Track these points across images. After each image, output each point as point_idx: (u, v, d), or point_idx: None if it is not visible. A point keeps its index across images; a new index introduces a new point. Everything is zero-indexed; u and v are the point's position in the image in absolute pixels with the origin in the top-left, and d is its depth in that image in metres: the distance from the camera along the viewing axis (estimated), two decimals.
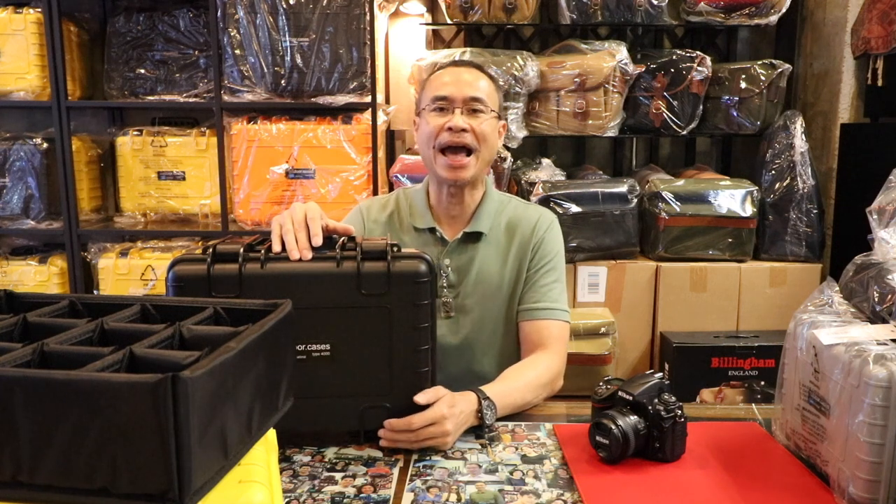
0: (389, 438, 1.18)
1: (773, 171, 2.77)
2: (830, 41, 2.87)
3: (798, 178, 2.73)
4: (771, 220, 2.76)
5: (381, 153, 2.77)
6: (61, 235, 2.80)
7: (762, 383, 2.59)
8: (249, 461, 0.73)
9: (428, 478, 1.10)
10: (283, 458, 1.16)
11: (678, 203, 2.68)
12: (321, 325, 1.14)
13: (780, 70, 2.78)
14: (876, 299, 1.07)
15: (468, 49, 2.85)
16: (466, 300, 1.51)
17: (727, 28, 3.01)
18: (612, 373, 2.57)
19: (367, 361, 1.16)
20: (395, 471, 1.13)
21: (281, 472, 1.09)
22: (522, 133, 2.79)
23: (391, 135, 3.13)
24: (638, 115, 2.91)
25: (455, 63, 1.58)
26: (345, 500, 1.04)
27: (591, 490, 1.05)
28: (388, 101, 3.09)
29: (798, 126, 2.76)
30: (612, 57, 2.75)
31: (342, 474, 1.11)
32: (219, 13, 2.62)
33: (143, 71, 2.81)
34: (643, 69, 2.85)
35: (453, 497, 1.04)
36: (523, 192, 2.72)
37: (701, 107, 2.89)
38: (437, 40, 3.15)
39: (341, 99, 2.63)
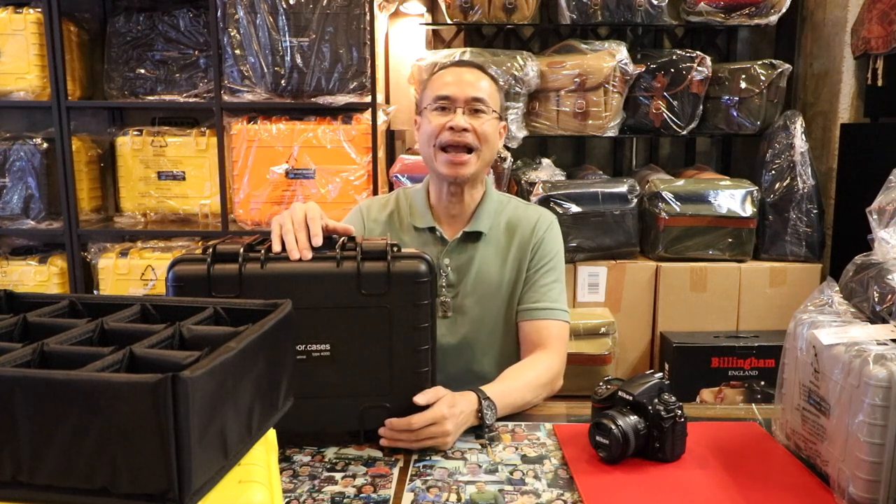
0: (390, 438, 1.18)
1: (773, 171, 2.77)
2: (830, 41, 2.87)
3: (798, 178, 2.73)
4: (771, 220, 2.76)
5: (381, 153, 2.77)
6: (61, 235, 2.80)
7: (762, 383, 2.59)
8: (249, 461, 0.73)
9: (428, 478, 1.10)
10: (283, 458, 1.16)
11: (678, 203, 2.68)
12: (321, 325, 1.14)
13: (780, 70, 2.78)
14: (876, 299, 1.07)
15: (468, 49, 2.85)
16: (466, 300, 1.51)
17: (727, 28, 3.01)
18: (612, 373, 2.57)
19: (367, 361, 1.16)
20: (395, 471, 1.13)
21: (281, 472, 1.09)
22: (522, 133, 2.79)
23: (391, 135, 3.13)
24: (638, 115, 2.91)
25: (457, 63, 1.59)
26: (345, 500, 1.04)
27: (591, 490, 1.05)
28: (388, 101, 3.09)
29: (798, 126, 2.76)
30: (612, 57, 2.75)
31: (342, 474, 1.11)
32: (219, 13, 2.62)
33: (143, 71, 2.81)
34: (643, 69, 2.85)
35: (453, 497, 1.04)
36: (523, 192, 2.72)
37: (701, 107, 2.89)
38: (437, 40, 3.15)
39: (341, 99, 2.63)
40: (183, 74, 2.81)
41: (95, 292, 2.77)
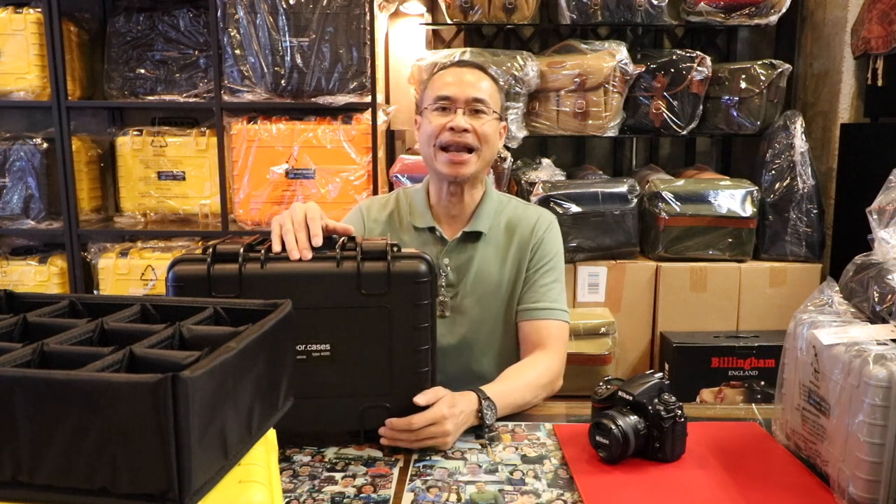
0: (390, 437, 1.18)
1: (773, 171, 2.77)
2: (830, 41, 2.87)
3: (798, 178, 2.73)
4: (771, 220, 2.76)
5: (381, 153, 2.77)
6: (61, 235, 2.80)
7: (762, 383, 2.59)
8: (249, 461, 0.73)
9: (428, 478, 1.10)
10: (283, 458, 1.16)
11: (678, 203, 2.68)
12: (321, 325, 1.14)
13: (780, 70, 2.78)
14: (876, 299, 1.07)
15: (468, 49, 2.85)
16: (465, 300, 1.51)
17: (727, 28, 3.01)
18: (612, 373, 2.57)
19: (367, 361, 1.16)
20: (395, 471, 1.13)
21: (281, 472, 1.09)
22: (522, 133, 2.79)
23: (391, 135, 3.13)
24: (638, 115, 2.91)
25: (458, 63, 1.59)
26: (345, 500, 1.04)
27: (591, 490, 1.05)
28: (388, 101, 3.09)
29: (798, 126, 2.76)
30: (612, 57, 2.75)
31: (342, 474, 1.11)
32: (219, 13, 2.62)
33: (143, 71, 2.81)
34: (643, 69, 2.85)
35: (453, 497, 1.04)
36: (523, 192, 2.72)
37: (701, 107, 2.89)
38: (437, 40, 3.15)
39: (341, 99, 2.63)
40: (183, 74, 2.81)
41: (95, 292, 2.77)
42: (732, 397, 2.60)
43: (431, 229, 1.53)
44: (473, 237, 1.52)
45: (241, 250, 1.13)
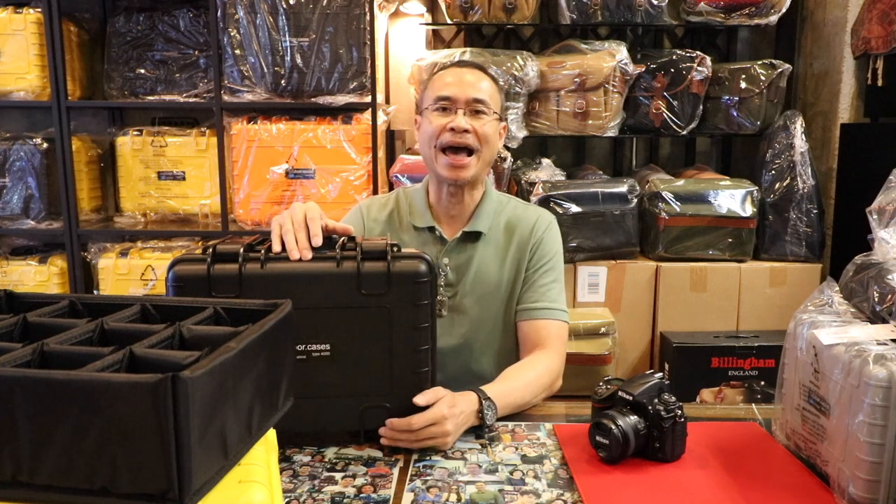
0: (390, 437, 1.18)
1: (773, 171, 2.77)
2: (830, 41, 2.87)
3: (798, 178, 2.73)
4: (771, 220, 2.76)
5: (381, 153, 2.77)
6: (61, 235, 2.80)
7: (762, 383, 2.59)
8: (249, 461, 0.73)
9: (428, 478, 1.10)
10: (283, 458, 1.16)
11: (678, 203, 2.68)
12: (321, 325, 1.14)
13: (780, 70, 2.78)
14: (876, 299, 1.07)
15: (468, 49, 2.85)
16: (465, 299, 1.51)
17: (727, 28, 3.01)
18: (612, 373, 2.57)
19: (367, 361, 1.16)
20: (395, 471, 1.13)
21: (281, 472, 1.09)
22: (522, 133, 2.79)
23: (391, 135, 3.13)
24: (638, 115, 2.91)
25: (458, 64, 1.59)
26: (345, 500, 1.04)
27: (591, 490, 1.05)
28: (388, 101, 3.09)
29: (798, 126, 2.76)
30: (612, 57, 2.75)
31: (342, 474, 1.11)
32: (219, 13, 2.62)
33: (143, 71, 2.81)
34: (643, 69, 2.85)
35: (453, 497, 1.04)
36: (523, 192, 2.72)
37: (701, 107, 2.89)
38: (437, 40, 3.15)
39: (341, 99, 2.63)
40: (183, 74, 2.81)
41: (95, 292, 2.77)
42: (732, 397, 2.60)
43: (431, 229, 1.53)
44: (473, 237, 1.52)
45: (241, 250, 1.13)
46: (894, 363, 0.92)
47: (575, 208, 2.65)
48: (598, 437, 1.13)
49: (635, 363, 2.78)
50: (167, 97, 2.81)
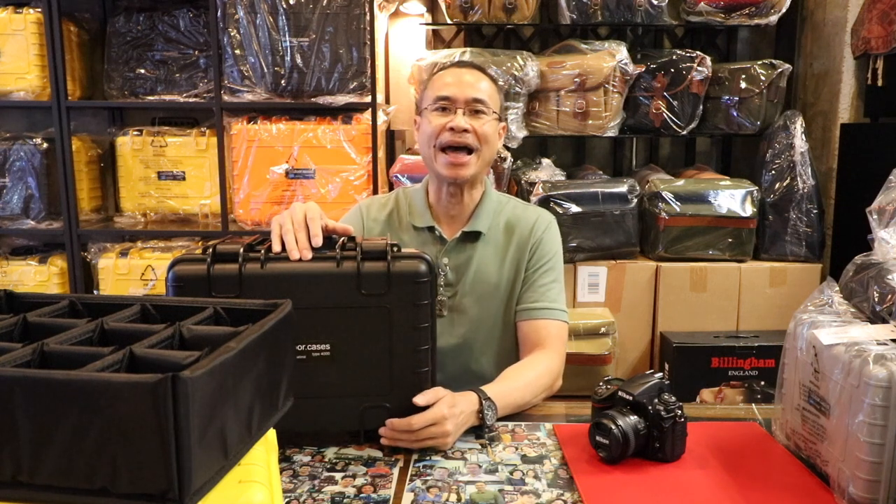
0: (390, 437, 1.18)
1: (773, 171, 2.77)
2: (830, 41, 2.87)
3: (798, 178, 2.73)
4: (771, 220, 2.76)
5: (381, 153, 2.77)
6: (61, 235, 2.80)
7: (762, 383, 2.59)
8: (249, 461, 0.73)
9: (428, 478, 1.10)
10: (283, 458, 1.16)
11: (678, 203, 2.68)
12: (321, 325, 1.14)
13: (780, 70, 2.78)
14: (876, 299, 1.07)
15: (468, 49, 2.85)
16: (464, 299, 1.51)
17: (727, 28, 3.01)
18: (612, 373, 2.57)
19: (367, 361, 1.16)
20: (395, 471, 1.13)
21: (281, 472, 1.09)
22: (522, 133, 2.79)
23: (391, 135, 3.13)
24: (638, 115, 2.91)
25: (457, 64, 1.59)
26: (345, 500, 1.04)
27: (591, 490, 1.05)
28: (388, 101, 3.09)
29: (798, 126, 2.76)
30: (612, 57, 2.75)
31: (342, 474, 1.11)
32: (219, 13, 2.62)
33: (143, 71, 2.81)
34: (643, 69, 2.85)
35: (453, 497, 1.04)
36: (523, 192, 2.72)
37: (701, 107, 2.89)
38: (437, 40, 3.15)
39: (341, 99, 2.63)
40: (183, 74, 2.81)
41: (95, 292, 2.77)
42: (732, 397, 2.60)
43: (431, 229, 1.54)
44: (472, 237, 1.52)
45: (241, 250, 1.14)
46: (894, 363, 0.92)
47: (575, 208, 2.65)
48: (598, 437, 1.13)
49: (635, 363, 2.78)
50: (167, 97, 2.81)
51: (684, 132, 2.90)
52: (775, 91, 2.81)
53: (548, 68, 2.79)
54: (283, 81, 2.61)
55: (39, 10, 2.66)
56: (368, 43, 2.61)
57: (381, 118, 2.73)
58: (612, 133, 2.85)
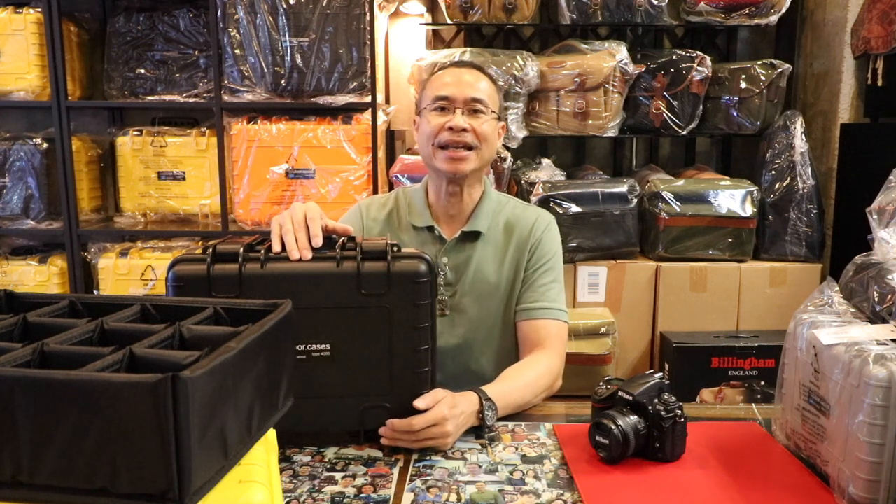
0: (390, 437, 1.18)
1: (773, 171, 2.77)
2: (830, 41, 2.87)
3: (798, 178, 2.73)
4: (771, 220, 2.76)
5: (381, 153, 2.77)
6: (61, 235, 2.80)
7: (762, 383, 2.59)
8: (249, 461, 0.73)
9: (428, 478, 1.10)
10: (283, 458, 1.16)
11: (678, 203, 2.68)
12: (321, 325, 1.14)
13: (780, 70, 2.78)
14: (876, 299, 1.07)
15: (468, 49, 2.85)
16: (463, 299, 1.51)
17: (727, 28, 3.01)
18: (612, 373, 2.57)
19: (367, 361, 1.16)
20: (395, 471, 1.13)
21: (281, 472, 1.09)
22: (522, 133, 2.79)
23: (391, 135, 3.13)
24: (638, 115, 2.91)
25: (456, 63, 1.59)
26: (345, 500, 1.04)
27: (591, 490, 1.05)
28: (388, 101, 3.09)
29: (798, 126, 2.76)
30: (612, 57, 2.75)
31: (342, 474, 1.11)
32: (219, 13, 2.62)
33: (143, 71, 2.81)
34: (643, 69, 2.85)
35: (453, 497, 1.04)
36: (523, 192, 2.72)
37: (701, 107, 2.89)
38: (437, 40, 3.15)
39: (341, 99, 2.63)
40: (183, 74, 2.81)
41: (95, 292, 2.77)
42: (732, 397, 2.60)
43: (430, 228, 1.54)
44: (472, 237, 1.52)
45: (241, 250, 1.14)
46: (894, 363, 0.92)
47: (575, 208, 2.65)
48: (598, 437, 1.13)
49: (635, 363, 2.78)
50: (167, 97, 2.81)
51: (684, 132, 2.90)
52: (775, 91, 2.81)
53: (548, 68, 2.79)
54: (283, 81, 2.61)
55: (39, 10, 2.66)
56: (368, 43, 2.61)
57: (381, 118, 2.73)
58: (612, 133, 2.85)
